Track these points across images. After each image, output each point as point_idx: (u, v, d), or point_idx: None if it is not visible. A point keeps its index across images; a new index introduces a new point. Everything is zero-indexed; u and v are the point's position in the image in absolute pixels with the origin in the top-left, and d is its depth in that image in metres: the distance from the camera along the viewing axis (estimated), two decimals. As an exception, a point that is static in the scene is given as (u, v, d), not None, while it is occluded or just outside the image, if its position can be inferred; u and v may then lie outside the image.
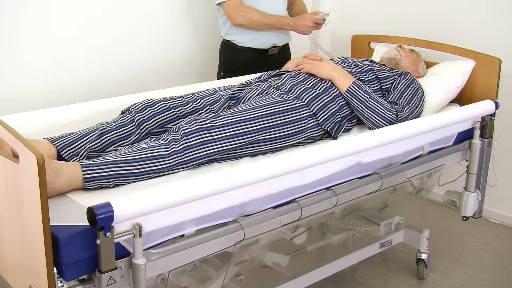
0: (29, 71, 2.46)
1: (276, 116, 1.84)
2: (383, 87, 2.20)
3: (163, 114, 1.88)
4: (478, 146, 2.24)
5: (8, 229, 1.36)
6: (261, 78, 2.24)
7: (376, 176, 1.90)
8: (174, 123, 1.87)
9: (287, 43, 2.90)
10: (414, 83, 2.20)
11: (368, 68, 2.24)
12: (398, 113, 2.05)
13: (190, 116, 1.88)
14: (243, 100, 2.03)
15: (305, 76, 2.11)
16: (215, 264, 1.80)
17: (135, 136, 1.82)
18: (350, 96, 2.04)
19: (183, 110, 1.92)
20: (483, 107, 2.20)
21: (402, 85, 2.17)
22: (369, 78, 2.20)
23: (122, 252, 1.33)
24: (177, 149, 1.62)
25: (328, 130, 1.97)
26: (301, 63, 2.20)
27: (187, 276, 1.72)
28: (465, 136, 2.25)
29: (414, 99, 2.14)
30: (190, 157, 1.64)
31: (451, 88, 2.33)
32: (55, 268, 1.22)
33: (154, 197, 1.30)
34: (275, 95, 1.99)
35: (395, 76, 2.24)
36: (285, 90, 2.02)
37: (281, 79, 2.11)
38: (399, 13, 3.13)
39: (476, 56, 2.38)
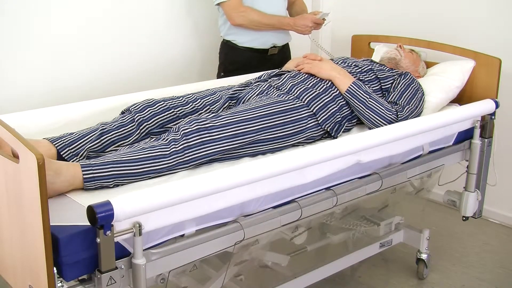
0: (29, 71, 2.46)
1: (276, 116, 1.84)
2: (383, 87, 2.20)
3: (163, 114, 1.88)
4: (478, 146, 2.24)
5: (8, 229, 1.36)
6: (261, 78, 2.24)
7: (376, 176, 1.90)
8: (174, 123, 1.88)
9: (287, 43, 2.90)
10: (414, 83, 2.20)
11: (368, 68, 2.24)
12: (398, 113, 2.05)
13: (190, 116, 1.88)
14: (243, 100, 2.03)
15: (305, 76, 2.11)
16: (215, 264, 1.80)
17: (135, 136, 1.82)
18: (350, 96, 2.04)
19: (183, 110, 1.92)
20: (483, 106, 2.20)
21: (402, 85, 2.17)
22: (369, 78, 2.20)
23: (122, 252, 1.33)
24: (177, 149, 1.62)
25: (328, 130, 1.97)
26: (301, 63, 2.20)
27: (187, 276, 1.73)
28: (465, 136, 2.25)
29: (414, 99, 2.14)
30: (190, 157, 1.64)
31: (451, 88, 2.33)
32: (55, 268, 1.22)
33: (154, 196, 1.30)
34: (275, 95, 1.99)
35: (395, 76, 2.24)
36: (285, 90, 2.02)
37: (281, 79, 2.11)
38: (399, 13, 3.13)
39: (476, 56, 2.38)
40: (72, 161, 1.65)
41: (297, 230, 1.85)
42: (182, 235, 1.46)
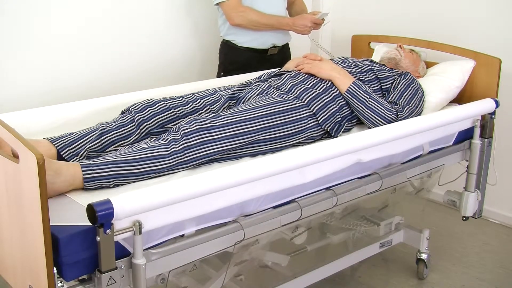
0: (29, 71, 2.46)
1: (276, 116, 1.84)
2: (383, 87, 2.20)
3: (163, 114, 1.88)
4: (478, 146, 2.24)
5: (8, 229, 1.36)
6: (261, 78, 2.24)
7: (376, 176, 1.90)
8: (174, 123, 1.87)
9: (287, 43, 2.90)
10: (414, 83, 2.20)
11: (368, 68, 2.24)
12: (398, 113, 2.05)
13: (190, 116, 1.88)
14: (243, 100, 2.03)
15: (305, 76, 2.11)
16: (215, 264, 1.80)
17: (135, 136, 1.82)
18: (350, 96, 2.04)
19: (183, 110, 1.92)
20: (483, 105, 2.20)
21: (402, 85, 2.17)
22: (369, 78, 2.20)
23: (122, 252, 1.33)
24: (177, 149, 1.62)
25: (328, 130, 1.97)
26: (301, 63, 2.20)
27: (187, 276, 1.73)
28: (465, 136, 2.25)
29: (414, 99, 2.14)
30: (190, 157, 1.64)
31: (451, 88, 2.33)
32: (55, 268, 1.22)
33: (154, 194, 1.30)
34: (275, 95, 1.99)
35: (395, 76, 2.24)
36: (285, 90, 2.02)
37: (281, 79, 2.11)
38: (399, 13, 3.13)
39: (476, 56, 2.38)
40: (72, 161, 1.65)
41: (297, 230, 1.85)
42: (182, 235, 1.46)
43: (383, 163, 1.95)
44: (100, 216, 1.20)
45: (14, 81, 2.42)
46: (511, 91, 2.63)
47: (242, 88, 2.12)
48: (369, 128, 2.04)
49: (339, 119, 2.02)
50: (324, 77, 2.10)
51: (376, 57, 2.62)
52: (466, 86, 2.38)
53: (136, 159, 1.57)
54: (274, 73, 2.25)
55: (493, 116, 2.23)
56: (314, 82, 2.07)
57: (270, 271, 2.01)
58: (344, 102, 2.06)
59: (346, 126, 2.04)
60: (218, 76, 2.83)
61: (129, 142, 1.80)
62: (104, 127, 1.78)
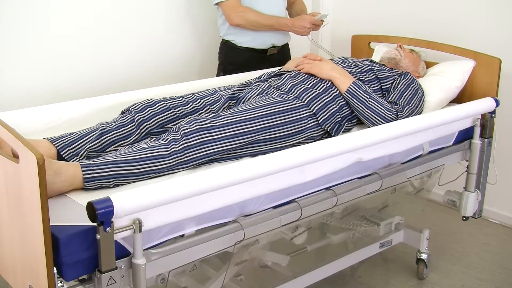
0: (29, 71, 2.46)
1: (276, 116, 1.84)
2: (383, 87, 2.20)
3: (163, 114, 1.88)
4: (478, 146, 2.24)
5: (8, 229, 1.36)
6: (261, 78, 2.24)
7: (376, 176, 1.90)
8: (174, 123, 1.88)
9: (287, 43, 2.90)
10: (414, 83, 2.20)
11: (368, 68, 2.24)
12: (398, 113, 2.05)
13: (190, 116, 1.88)
14: (243, 100, 2.03)
15: (305, 76, 2.11)
16: (215, 264, 1.80)
17: (135, 136, 1.82)
18: (350, 96, 2.04)
19: (183, 110, 1.92)
20: (483, 104, 2.19)
21: (402, 85, 2.17)
22: (369, 78, 2.20)
23: (122, 252, 1.33)
24: (177, 149, 1.62)
25: (328, 130, 1.97)
26: (301, 63, 2.20)
27: (187, 276, 1.72)
28: (465, 136, 2.25)
29: (414, 99, 2.14)
30: (190, 157, 1.64)
31: (451, 88, 2.33)
32: (55, 268, 1.22)
33: (154, 193, 1.30)
34: (275, 95, 1.99)
35: (395, 76, 2.24)
36: (285, 90, 2.02)
37: (281, 79, 2.11)
38: (399, 13, 3.13)
39: (476, 56, 2.38)
40: (72, 161, 1.65)
41: (297, 230, 1.85)
42: (182, 235, 1.46)
43: (383, 162, 1.95)
44: (100, 214, 1.20)
45: (14, 81, 2.42)
46: (511, 91, 2.63)
47: (242, 88, 2.12)
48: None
49: (339, 119, 2.02)
50: (324, 77, 2.10)
51: (376, 57, 2.62)
52: (466, 86, 2.38)
53: (136, 159, 1.57)
54: (274, 73, 2.25)
55: (493, 115, 2.23)
56: (314, 82, 2.07)
57: (270, 271, 2.01)
58: (344, 102, 2.06)
59: (346, 126, 2.04)
60: (218, 76, 2.83)
61: (129, 142, 1.80)
62: (104, 127, 1.78)
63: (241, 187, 1.49)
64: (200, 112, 1.96)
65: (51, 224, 1.19)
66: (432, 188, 2.35)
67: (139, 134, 1.83)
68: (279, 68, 2.42)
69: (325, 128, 1.96)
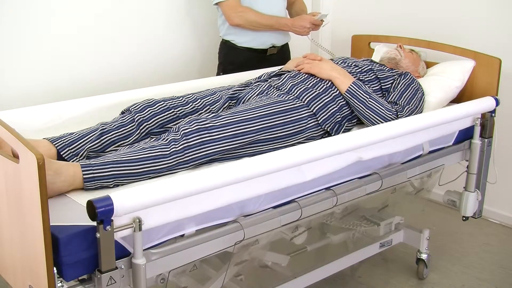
0: (29, 71, 2.46)
1: (276, 116, 1.84)
2: (383, 87, 2.20)
3: (163, 114, 1.88)
4: (478, 146, 2.24)
5: (8, 229, 1.36)
6: (261, 78, 2.24)
7: (376, 176, 1.90)
8: (174, 123, 1.88)
9: (287, 43, 2.90)
10: (414, 83, 2.20)
11: (368, 68, 2.25)
12: (398, 113, 2.05)
13: (190, 116, 1.88)
14: (243, 100, 2.03)
15: (305, 76, 2.11)
16: (215, 264, 1.80)
17: (135, 136, 1.82)
18: (350, 96, 2.04)
19: (183, 110, 1.92)
20: (483, 103, 2.19)
21: (402, 85, 2.17)
22: (369, 78, 2.20)
23: (122, 252, 1.32)
24: (177, 149, 1.62)
25: (328, 130, 1.97)
26: (301, 63, 2.20)
27: (187, 276, 1.72)
28: (465, 136, 2.25)
29: (414, 99, 2.14)
30: (190, 157, 1.64)
31: (451, 88, 2.33)
32: (55, 268, 1.22)
33: (154, 191, 1.30)
34: (275, 95, 1.99)
35: (395, 76, 2.24)
36: (285, 90, 2.02)
37: (281, 79, 2.11)
38: (399, 13, 3.13)
39: (476, 56, 2.38)
40: (72, 161, 1.65)
41: (297, 230, 1.85)
42: (182, 235, 1.46)
43: (383, 162, 1.95)
44: (100, 213, 1.20)
45: (14, 81, 2.42)
46: (511, 91, 2.63)
47: (242, 88, 2.12)
48: (369, 128, 2.05)
49: (339, 119, 2.02)
50: (324, 77, 2.10)
51: (376, 57, 2.62)
52: (466, 86, 2.38)
53: (136, 159, 1.57)
54: (274, 73, 2.25)
55: (493, 114, 2.23)
56: (314, 82, 2.07)
57: (270, 271, 2.01)
58: (344, 102, 2.06)
59: (346, 126, 2.04)
60: (218, 76, 2.83)
61: (129, 142, 1.80)
62: (104, 127, 1.78)
63: (240, 186, 1.49)
64: (200, 112, 1.96)
65: (51, 224, 1.19)
66: (432, 188, 2.35)
67: (139, 134, 1.83)
68: (279, 68, 2.42)
69: (325, 128, 1.96)
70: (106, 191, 1.50)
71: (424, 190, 2.29)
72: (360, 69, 2.23)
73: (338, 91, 2.06)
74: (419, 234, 2.40)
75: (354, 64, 2.27)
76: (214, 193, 1.44)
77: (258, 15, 2.66)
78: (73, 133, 1.74)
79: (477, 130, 2.22)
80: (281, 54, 2.85)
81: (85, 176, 1.49)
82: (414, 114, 2.10)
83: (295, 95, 1.98)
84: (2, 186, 1.33)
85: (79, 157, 1.69)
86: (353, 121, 2.09)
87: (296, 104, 1.92)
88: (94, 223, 1.24)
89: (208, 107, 1.99)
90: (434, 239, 2.57)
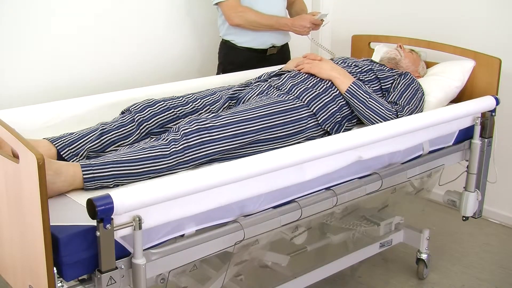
0: (29, 71, 2.46)
1: (276, 116, 1.84)
2: (383, 87, 2.20)
3: (163, 114, 1.88)
4: (478, 146, 2.24)
5: (8, 229, 1.36)
6: (261, 78, 2.24)
7: (376, 176, 1.90)
8: (174, 123, 1.88)
9: (287, 43, 2.90)
10: (414, 83, 2.20)
11: (368, 68, 2.25)
12: (398, 113, 2.05)
13: (190, 116, 1.88)
14: (243, 100, 2.03)
15: (305, 76, 2.11)
16: (215, 264, 1.80)
17: (135, 136, 1.82)
18: (350, 96, 2.04)
19: (183, 110, 1.92)
20: (484, 102, 2.19)
21: (402, 85, 2.17)
22: (369, 78, 2.20)
23: (122, 252, 1.32)
24: (177, 149, 1.62)
25: (328, 130, 1.97)
26: (301, 63, 2.20)
27: (187, 276, 1.72)
28: (465, 136, 2.24)
29: (414, 99, 2.14)
30: (190, 157, 1.64)
31: (451, 88, 2.33)
32: (55, 268, 1.22)
33: (154, 190, 1.30)
34: (275, 95, 1.99)
35: (395, 76, 2.24)
36: (285, 90, 2.02)
37: (281, 79, 2.11)
38: (399, 13, 3.13)
39: (476, 56, 2.38)
40: (72, 161, 1.65)
41: (297, 230, 1.85)
42: (182, 235, 1.46)
43: (383, 163, 1.95)
44: (100, 211, 1.20)
45: (14, 81, 2.42)
46: (511, 91, 2.63)
47: (242, 88, 2.12)
48: (369, 128, 2.04)
49: (339, 119, 2.02)
50: (324, 77, 2.10)
51: (376, 57, 2.62)
52: (466, 86, 2.38)
53: (136, 159, 1.57)
54: (274, 73, 2.25)
55: (493, 114, 2.22)
56: (314, 82, 2.07)
57: (270, 271, 2.01)
58: (344, 102, 2.06)
59: (346, 126, 2.04)
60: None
61: (129, 142, 1.80)
62: (104, 127, 1.78)
63: (240, 185, 1.49)
64: (200, 112, 1.96)
65: (51, 224, 1.19)
66: (432, 188, 2.35)
67: (139, 134, 1.83)
68: (279, 67, 2.42)
69: (325, 128, 1.96)
70: (106, 191, 1.49)
71: (424, 190, 2.29)
72: (360, 69, 2.23)
73: (338, 91, 2.07)
74: (419, 234, 2.40)
75: (354, 64, 2.27)
76: (214, 192, 1.44)
77: (258, 15, 2.66)
78: (73, 133, 1.74)
79: (477, 130, 2.22)
80: (281, 54, 2.85)
81: (85, 176, 1.49)
82: (414, 114, 2.10)
83: (295, 95, 1.98)
84: (2, 186, 1.33)
85: (79, 157, 1.70)
86: (353, 121, 2.09)
87: (296, 104, 1.92)
88: (94, 223, 1.24)
89: (208, 107, 1.99)
90: (434, 239, 2.57)
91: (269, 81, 2.15)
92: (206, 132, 1.67)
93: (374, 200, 2.11)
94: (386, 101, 2.12)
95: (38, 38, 2.46)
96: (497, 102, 2.21)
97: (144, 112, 1.85)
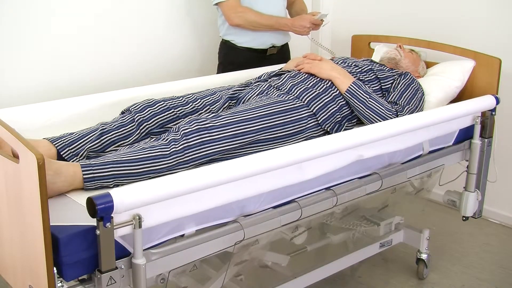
0: (29, 71, 2.46)
1: (276, 116, 1.84)
2: (383, 87, 2.20)
3: (163, 114, 1.88)
4: (478, 146, 2.24)
5: (8, 229, 1.36)
6: (261, 78, 2.24)
7: (376, 176, 1.90)
8: (174, 123, 1.88)
9: (287, 43, 2.90)
10: (414, 83, 2.20)
11: (368, 68, 2.25)
12: (398, 113, 2.05)
13: (190, 116, 1.88)
14: (243, 100, 2.03)
15: (305, 76, 2.11)
16: (215, 264, 1.80)
17: (135, 136, 1.82)
18: (350, 96, 2.04)
19: (183, 110, 1.92)
20: (484, 101, 2.19)
21: (402, 85, 2.17)
22: (369, 78, 2.20)
23: (122, 252, 1.32)
24: (177, 149, 1.62)
25: (328, 130, 1.97)
26: (301, 63, 2.20)
27: (187, 276, 1.72)
28: (465, 136, 2.25)
29: (414, 99, 2.14)
30: (190, 157, 1.64)
31: (451, 88, 2.33)
32: (55, 268, 1.22)
33: (154, 188, 1.30)
34: (275, 95, 1.99)
35: (395, 76, 2.24)
36: (285, 90, 2.02)
37: (281, 79, 2.11)
38: (399, 13, 3.13)
39: (476, 56, 2.38)
40: (72, 161, 1.65)
41: (297, 230, 1.85)
42: (182, 235, 1.46)
43: (383, 163, 1.95)
44: (100, 209, 1.20)
45: (14, 81, 2.42)
46: (511, 91, 2.63)
47: (242, 88, 2.12)
48: (369, 128, 2.04)
49: (339, 119, 2.02)
50: (324, 77, 2.10)
51: (376, 57, 2.62)
52: (466, 86, 2.38)
53: (136, 159, 1.57)
54: (274, 73, 2.25)
55: (493, 113, 2.22)
56: (314, 82, 2.07)
57: (270, 271, 2.01)
58: (344, 102, 2.06)
59: (346, 126, 2.04)
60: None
61: (129, 142, 1.80)
62: (104, 127, 1.78)
63: (240, 184, 1.49)
64: (200, 112, 1.96)
65: (51, 224, 1.19)
66: (432, 188, 2.35)
67: (139, 134, 1.83)
68: (279, 67, 2.42)
69: (325, 128, 1.97)
70: (106, 191, 1.50)
71: (424, 190, 2.29)
72: (360, 69, 2.23)
73: (338, 91, 2.07)
74: (419, 234, 2.40)
75: (354, 64, 2.27)
76: (214, 191, 1.44)
77: (258, 15, 2.66)
78: (73, 133, 1.74)
79: (477, 129, 2.22)
80: (281, 54, 2.85)
81: (85, 176, 1.49)
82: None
83: (295, 95, 1.98)
84: (2, 186, 1.33)
85: (79, 157, 1.70)
86: (353, 121, 2.09)
87: (296, 104, 1.92)
88: (94, 223, 1.24)
89: (208, 107, 1.99)
90: (434, 239, 2.57)
91: (269, 81, 2.15)
92: (206, 132, 1.67)
93: (374, 200, 2.11)
94: (386, 101, 2.12)
95: (38, 38, 2.46)
96: (497, 101, 2.21)
97: (144, 112, 1.85)
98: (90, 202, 1.21)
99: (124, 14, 2.73)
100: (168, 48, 2.94)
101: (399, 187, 2.10)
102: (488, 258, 2.64)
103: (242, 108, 1.82)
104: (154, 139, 1.75)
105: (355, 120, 2.09)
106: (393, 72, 2.26)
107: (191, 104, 1.96)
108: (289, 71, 2.21)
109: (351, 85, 2.05)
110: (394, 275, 2.47)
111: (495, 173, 2.35)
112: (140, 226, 1.28)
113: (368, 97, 2.03)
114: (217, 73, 2.85)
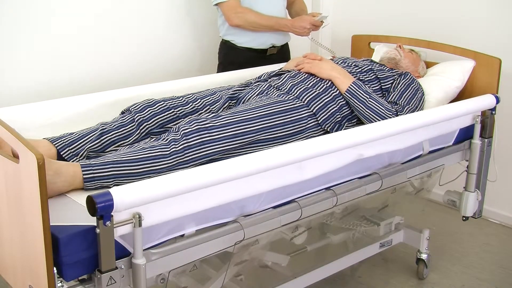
0: (29, 71, 2.46)
1: (276, 116, 1.84)
2: (383, 87, 2.20)
3: (163, 114, 1.88)
4: (478, 146, 2.24)
5: (8, 229, 1.36)
6: (261, 78, 2.24)
7: (376, 176, 1.90)
8: (174, 123, 1.88)
9: (287, 43, 2.90)
10: (414, 83, 2.20)
11: (368, 68, 2.25)
12: (398, 113, 2.05)
13: (190, 116, 1.88)
14: (243, 100, 2.03)
15: (305, 76, 2.11)
16: (215, 264, 1.80)
17: (135, 136, 1.82)
18: (350, 96, 2.04)
19: (183, 110, 1.93)
20: (484, 101, 2.19)
21: (402, 85, 2.17)
22: (369, 78, 2.20)
23: (122, 252, 1.32)
24: (177, 149, 1.62)
25: (328, 130, 1.97)
26: (301, 63, 2.20)
27: (187, 276, 1.72)
28: (465, 136, 2.25)
29: (414, 99, 2.14)
30: (190, 157, 1.64)
31: (451, 88, 2.33)
32: (55, 268, 1.22)
33: (154, 187, 1.30)
34: (275, 95, 1.99)
35: (395, 76, 2.24)
36: (285, 90, 2.02)
37: (281, 79, 2.11)
38: (399, 13, 3.13)
39: (476, 56, 2.38)
40: (72, 161, 1.65)
41: (297, 230, 1.85)
42: (182, 235, 1.46)
43: (383, 162, 1.95)
44: (100, 208, 1.20)
45: (14, 81, 2.42)
46: (511, 91, 2.63)
47: (242, 88, 2.12)
48: (369, 128, 2.04)
49: (339, 119, 2.02)
50: (324, 76, 2.10)
51: (376, 57, 2.62)
52: (466, 86, 2.38)
53: (136, 159, 1.57)
54: (274, 73, 2.25)
55: (493, 112, 2.22)
56: (314, 81, 2.07)
57: (270, 271, 2.01)
58: (344, 102, 2.06)
59: (346, 126, 2.04)
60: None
61: (129, 142, 1.80)
62: (104, 127, 1.78)
63: (240, 183, 1.49)
64: (200, 112, 1.96)
65: (51, 224, 1.19)
66: (432, 188, 2.35)
67: (139, 134, 1.83)
68: (279, 67, 2.42)
69: (325, 128, 1.97)
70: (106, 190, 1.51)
71: (424, 190, 2.29)
72: (360, 69, 2.23)
73: (338, 91, 2.07)
74: (419, 234, 2.40)
75: (354, 64, 2.27)
76: (214, 190, 1.44)
77: (258, 16, 2.66)
78: (73, 133, 1.74)
79: (477, 129, 2.22)
80: (281, 54, 2.85)
81: (85, 176, 1.49)
82: (414, 114, 2.10)
83: (295, 95, 1.98)
84: (2, 186, 1.33)
85: (79, 157, 1.70)
86: (353, 121, 2.09)
87: (296, 104, 1.92)
88: (94, 223, 1.24)
89: (208, 107, 1.99)
90: (434, 239, 2.57)
91: (269, 81, 2.15)
92: (206, 132, 1.67)
93: (374, 200, 2.11)
94: (386, 101, 2.12)
95: (38, 38, 2.46)
96: (497, 101, 2.21)
97: (144, 112, 1.85)
98: (90, 201, 1.21)
99: (124, 14, 2.73)
100: (168, 48, 2.94)
101: (399, 187, 2.10)
102: (488, 258, 2.64)
103: (242, 108, 1.82)
104: (154, 139, 1.75)
105: (355, 120, 2.09)
106: (393, 72, 2.26)
107: (191, 104, 1.96)
108: (289, 71, 2.21)
109: (351, 85, 2.05)
110: (394, 275, 2.47)
111: (495, 173, 2.35)
112: (140, 225, 1.28)
113: (368, 97, 2.03)
114: (217, 73, 2.85)
